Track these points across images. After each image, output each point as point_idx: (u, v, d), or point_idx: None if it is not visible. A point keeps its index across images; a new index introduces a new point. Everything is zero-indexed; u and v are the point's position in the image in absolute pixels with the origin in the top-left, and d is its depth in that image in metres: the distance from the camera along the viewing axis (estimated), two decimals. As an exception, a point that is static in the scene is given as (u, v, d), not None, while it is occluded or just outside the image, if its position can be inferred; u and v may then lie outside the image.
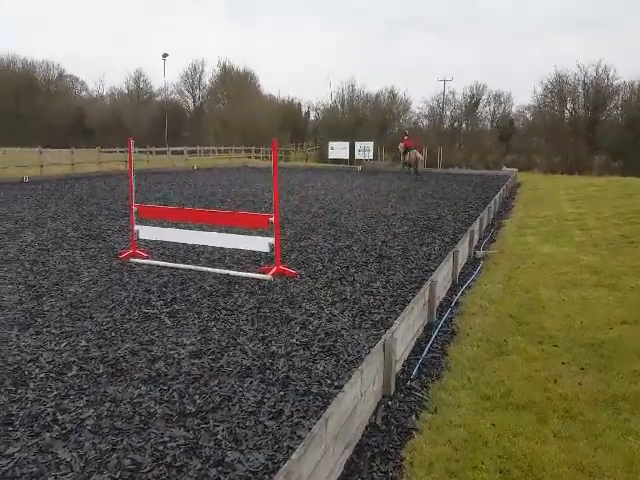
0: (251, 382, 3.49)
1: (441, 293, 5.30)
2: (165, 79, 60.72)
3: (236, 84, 56.36)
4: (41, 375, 3.56)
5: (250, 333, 4.38)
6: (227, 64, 57.23)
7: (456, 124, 51.77)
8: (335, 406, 2.57)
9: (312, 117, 60.32)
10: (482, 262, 7.14)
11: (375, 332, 4.42)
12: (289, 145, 48.39)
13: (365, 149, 28.64)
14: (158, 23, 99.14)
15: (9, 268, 6.40)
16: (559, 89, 43.85)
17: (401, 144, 23.11)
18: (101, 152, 24.87)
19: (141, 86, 61.74)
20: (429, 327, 4.63)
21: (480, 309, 5.07)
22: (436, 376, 3.67)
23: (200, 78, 59.68)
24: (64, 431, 2.89)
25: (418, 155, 22.38)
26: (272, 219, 6.21)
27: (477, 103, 51.36)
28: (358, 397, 2.89)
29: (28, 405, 3.16)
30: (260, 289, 5.68)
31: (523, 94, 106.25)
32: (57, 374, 3.58)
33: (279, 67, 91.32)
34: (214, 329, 4.46)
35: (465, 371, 3.72)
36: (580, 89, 42.91)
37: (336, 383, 3.48)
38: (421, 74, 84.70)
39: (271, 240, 6.27)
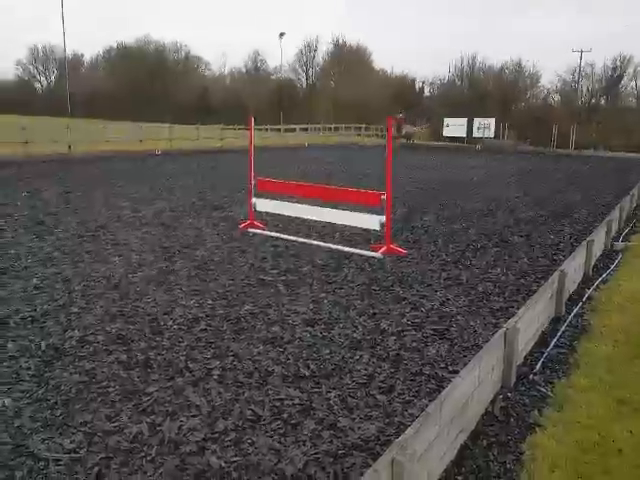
0: (361, 355, 3.52)
1: (571, 285, 4.82)
2: (281, 58, 62.36)
3: (348, 60, 56.08)
4: (174, 327, 3.96)
5: (360, 308, 4.41)
6: (340, 40, 57.23)
7: (593, 101, 45.82)
8: (451, 389, 2.49)
9: (426, 92, 57.73)
10: (621, 255, 6.34)
11: (494, 320, 4.17)
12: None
13: (485, 126, 26.81)
14: (275, 3, 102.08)
15: (146, 231, 7.20)
16: None
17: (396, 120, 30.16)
18: (222, 129, 26.69)
19: (258, 65, 64.49)
20: (556, 321, 4.25)
21: (617, 306, 4.52)
22: (563, 373, 3.36)
23: (314, 56, 60.51)
24: (194, 378, 3.19)
25: (414, 129, 32.56)
26: (384, 197, 6.12)
27: (621, 77, 44.85)
28: (475, 384, 2.77)
29: (164, 352, 3.54)
30: (370, 266, 5.67)
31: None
32: (187, 327, 3.96)
33: (393, 42, 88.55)
34: (325, 301, 4.56)
35: (597, 371, 3.35)
36: None
37: (450, 368, 3.36)
38: (553, 45, 76.22)
39: (382, 218, 6.20)
